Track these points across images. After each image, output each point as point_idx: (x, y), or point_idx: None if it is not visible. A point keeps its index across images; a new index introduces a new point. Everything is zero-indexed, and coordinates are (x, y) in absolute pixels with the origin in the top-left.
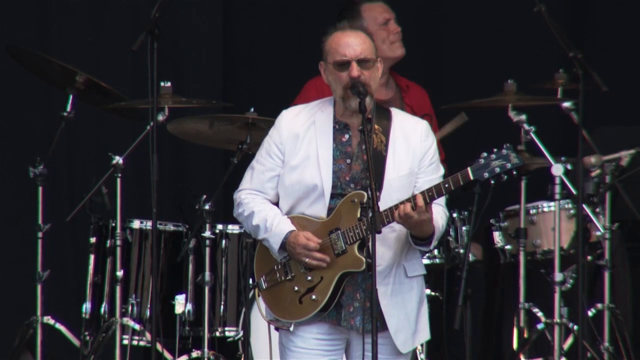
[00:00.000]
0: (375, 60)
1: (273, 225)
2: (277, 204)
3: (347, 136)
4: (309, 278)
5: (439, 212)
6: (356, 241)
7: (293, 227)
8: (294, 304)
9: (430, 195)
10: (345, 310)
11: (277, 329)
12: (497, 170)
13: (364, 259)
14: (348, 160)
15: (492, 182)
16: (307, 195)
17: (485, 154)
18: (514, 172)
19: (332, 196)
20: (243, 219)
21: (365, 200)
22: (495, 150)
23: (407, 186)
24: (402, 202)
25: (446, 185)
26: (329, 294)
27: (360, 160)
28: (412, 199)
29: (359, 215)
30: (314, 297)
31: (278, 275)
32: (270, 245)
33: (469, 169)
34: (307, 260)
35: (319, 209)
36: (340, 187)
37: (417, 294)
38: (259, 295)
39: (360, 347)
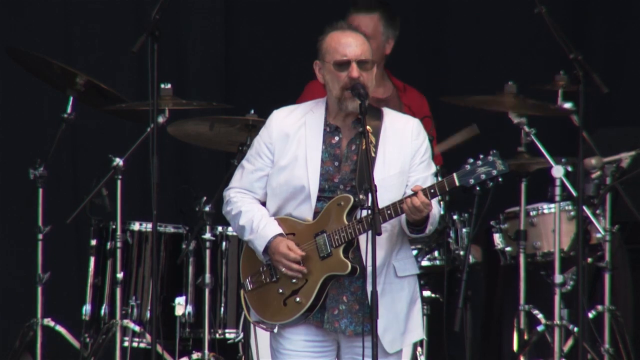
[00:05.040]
0: (373, 62)
1: (259, 227)
2: (264, 203)
3: (337, 138)
4: (294, 280)
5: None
6: (341, 244)
7: (279, 231)
8: (278, 306)
9: None
10: (329, 312)
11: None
12: (483, 177)
13: (349, 263)
14: (336, 163)
15: (478, 188)
16: (294, 197)
17: (471, 160)
18: (500, 179)
19: (319, 199)
20: (230, 218)
21: (352, 203)
22: (481, 156)
23: (398, 185)
24: (409, 196)
25: (432, 191)
26: (313, 297)
27: (350, 161)
28: (414, 195)
29: (345, 218)
30: (298, 299)
31: (263, 276)
32: (255, 247)
33: (454, 174)
34: (283, 269)
35: (305, 211)
36: (329, 190)
37: (408, 294)
38: (244, 296)
39: (349, 350)
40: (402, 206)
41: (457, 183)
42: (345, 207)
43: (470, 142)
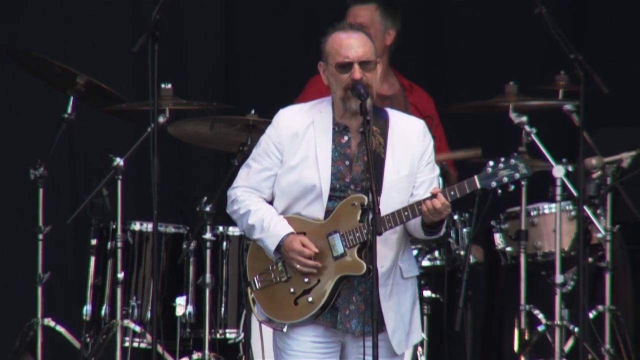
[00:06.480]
0: (376, 62)
1: (270, 226)
2: (271, 202)
3: (346, 138)
4: (306, 280)
5: None
6: (356, 245)
7: (290, 229)
8: (289, 305)
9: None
10: (341, 313)
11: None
12: (505, 180)
13: (364, 264)
14: (347, 162)
15: (500, 191)
16: (304, 196)
17: (492, 163)
18: (523, 182)
19: (330, 198)
20: (237, 217)
21: (365, 202)
22: (502, 159)
23: (407, 187)
24: (428, 198)
25: (452, 193)
26: (326, 297)
27: (361, 162)
28: (433, 197)
29: (359, 218)
30: (310, 299)
31: (273, 275)
32: (265, 246)
33: (476, 177)
34: (298, 266)
35: (316, 210)
36: (340, 189)
37: (411, 295)
38: (252, 295)
39: (356, 350)
40: (421, 208)
41: (478, 185)
42: (359, 207)
43: (463, 131)
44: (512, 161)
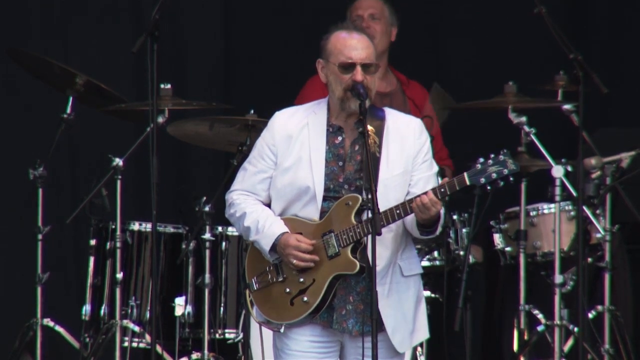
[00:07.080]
0: (377, 65)
1: (265, 227)
2: (269, 205)
3: (340, 138)
4: (301, 280)
5: None
6: (350, 244)
7: (285, 229)
8: (285, 306)
9: None
10: (337, 313)
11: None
12: (494, 176)
13: (357, 262)
14: (340, 163)
15: (489, 187)
16: (300, 197)
17: (482, 159)
18: (511, 178)
19: (325, 198)
20: (235, 220)
21: (360, 202)
22: (492, 155)
23: (402, 185)
24: (418, 195)
25: (442, 190)
26: (320, 296)
27: (354, 161)
28: (424, 194)
29: (353, 218)
30: (305, 299)
31: (270, 276)
32: (261, 247)
33: (465, 174)
34: (295, 261)
35: (311, 211)
36: (334, 190)
37: (414, 293)
38: (249, 296)
39: (355, 350)
40: (412, 205)
41: (467, 182)
42: (353, 207)
43: (462, 132)
44: (501, 157)
